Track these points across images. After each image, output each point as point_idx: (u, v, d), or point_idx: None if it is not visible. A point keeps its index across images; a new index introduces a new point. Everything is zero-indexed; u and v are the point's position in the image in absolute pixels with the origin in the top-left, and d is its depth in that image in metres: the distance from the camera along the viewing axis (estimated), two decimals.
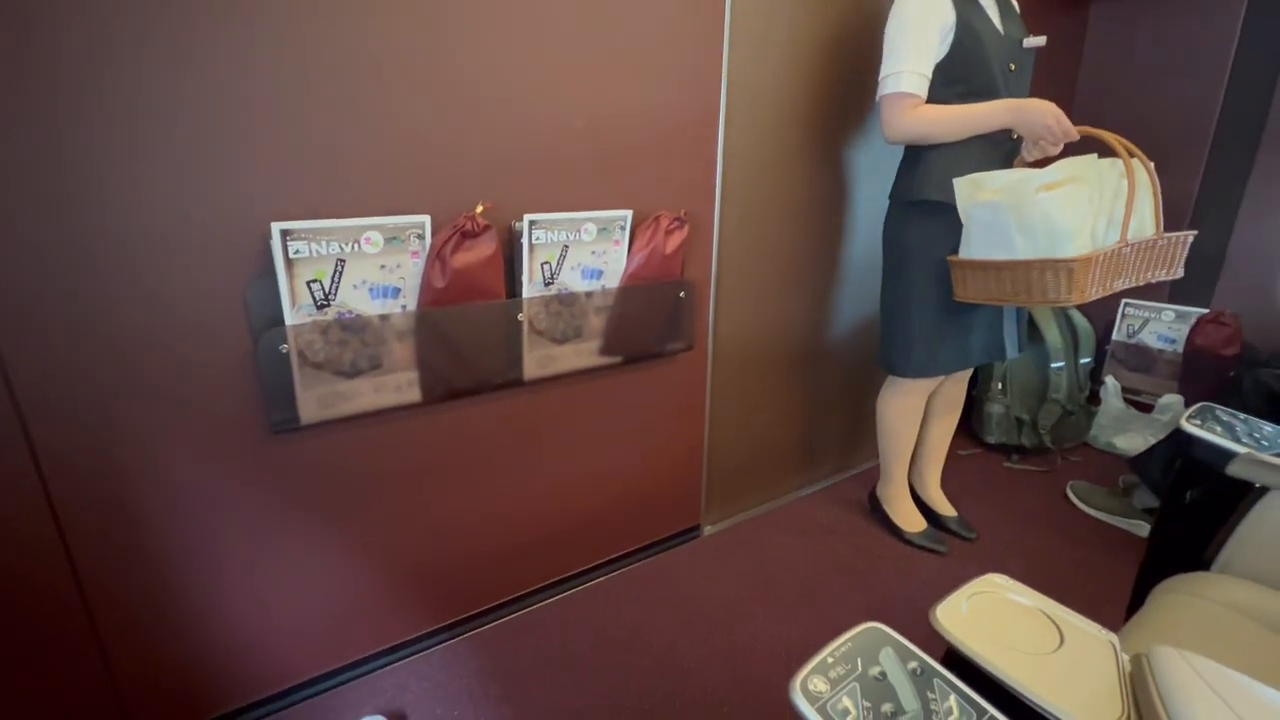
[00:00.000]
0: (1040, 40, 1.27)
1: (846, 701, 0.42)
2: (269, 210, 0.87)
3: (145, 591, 0.91)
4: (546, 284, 1.11)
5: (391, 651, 1.18)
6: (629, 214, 1.16)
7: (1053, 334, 2.03)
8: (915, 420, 1.54)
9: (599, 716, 1.08)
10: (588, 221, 1.11)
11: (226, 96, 0.82)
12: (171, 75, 0.78)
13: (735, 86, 1.31)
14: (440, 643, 1.22)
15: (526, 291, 1.09)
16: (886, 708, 0.42)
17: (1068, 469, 1.97)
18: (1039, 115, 1.15)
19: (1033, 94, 1.27)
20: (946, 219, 1.25)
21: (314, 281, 0.90)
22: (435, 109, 0.97)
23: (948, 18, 1.20)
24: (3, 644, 0.83)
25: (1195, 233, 1.15)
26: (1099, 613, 0.58)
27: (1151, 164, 1.09)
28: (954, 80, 1.24)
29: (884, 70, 1.25)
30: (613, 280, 1.19)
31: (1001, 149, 1.27)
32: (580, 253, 1.13)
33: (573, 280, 1.14)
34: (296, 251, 0.87)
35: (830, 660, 0.45)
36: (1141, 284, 1.11)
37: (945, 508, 1.65)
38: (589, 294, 1.16)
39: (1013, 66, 1.27)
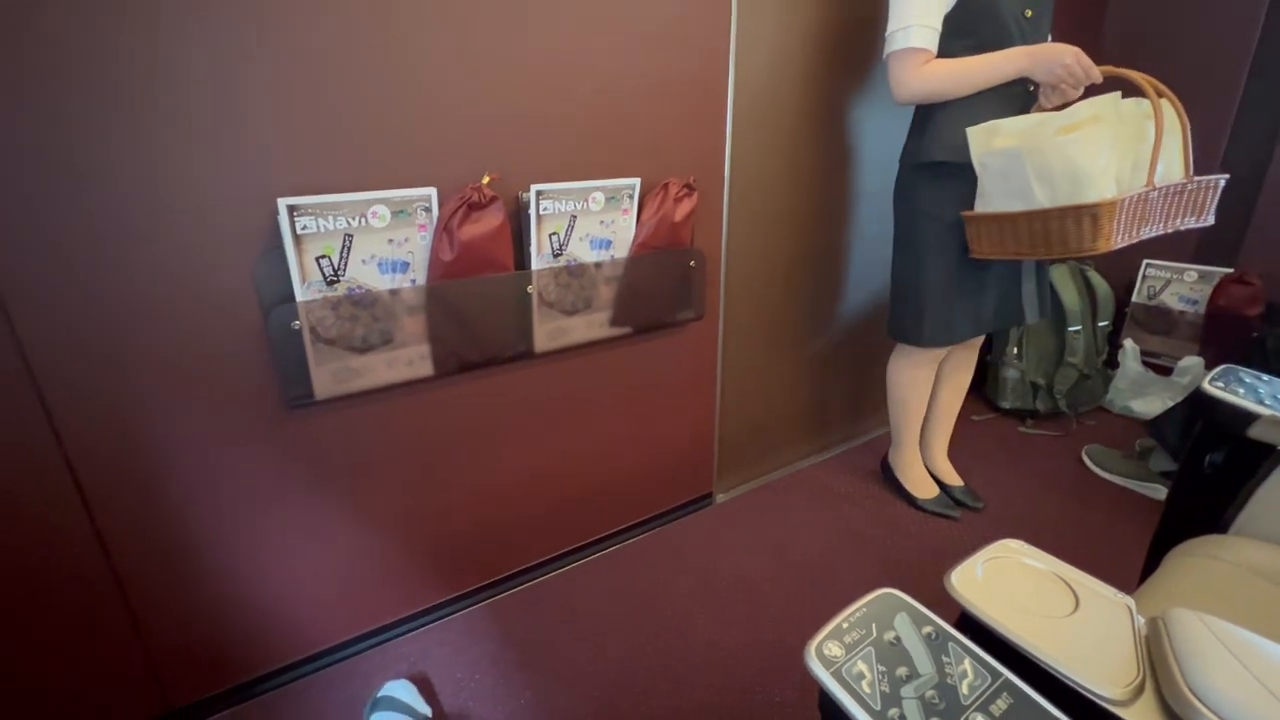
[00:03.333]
0: None
1: (862, 666, 0.43)
2: (275, 186, 0.86)
3: (174, 562, 0.94)
4: (555, 255, 1.10)
5: (414, 619, 1.21)
6: (637, 182, 1.14)
7: (1070, 297, 1.99)
8: (925, 388, 1.53)
9: (615, 678, 1.11)
10: (595, 190, 1.10)
11: (228, 71, 0.80)
12: (174, 51, 0.77)
13: (744, 49, 1.27)
14: (460, 610, 1.26)
15: (535, 263, 1.08)
16: (901, 671, 0.42)
17: (1083, 433, 1.96)
18: (1056, 56, 1.09)
19: (1054, 39, 1.21)
20: (957, 181, 1.21)
21: (323, 257, 0.90)
22: (438, 80, 0.95)
23: None
24: (39, 620, 0.87)
25: (1226, 176, 1.10)
26: (1113, 576, 0.57)
27: (1181, 105, 1.04)
28: (963, 32, 1.18)
29: (890, 26, 1.19)
30: (622, 250, 1.18)
31: (1016, 101, 1.21)
32: (588, 223, 1.11)
33: (581, 251, 1.13)
34: (304, 227, 0.87)
35: (845, 626, 0.45)
36: (1169, 231, 1.06)
37: (952, 477, 1.64)
38: (598, 264, 1.15)
39: (1028, 13, 1.20)
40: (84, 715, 0.93)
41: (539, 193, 1.04)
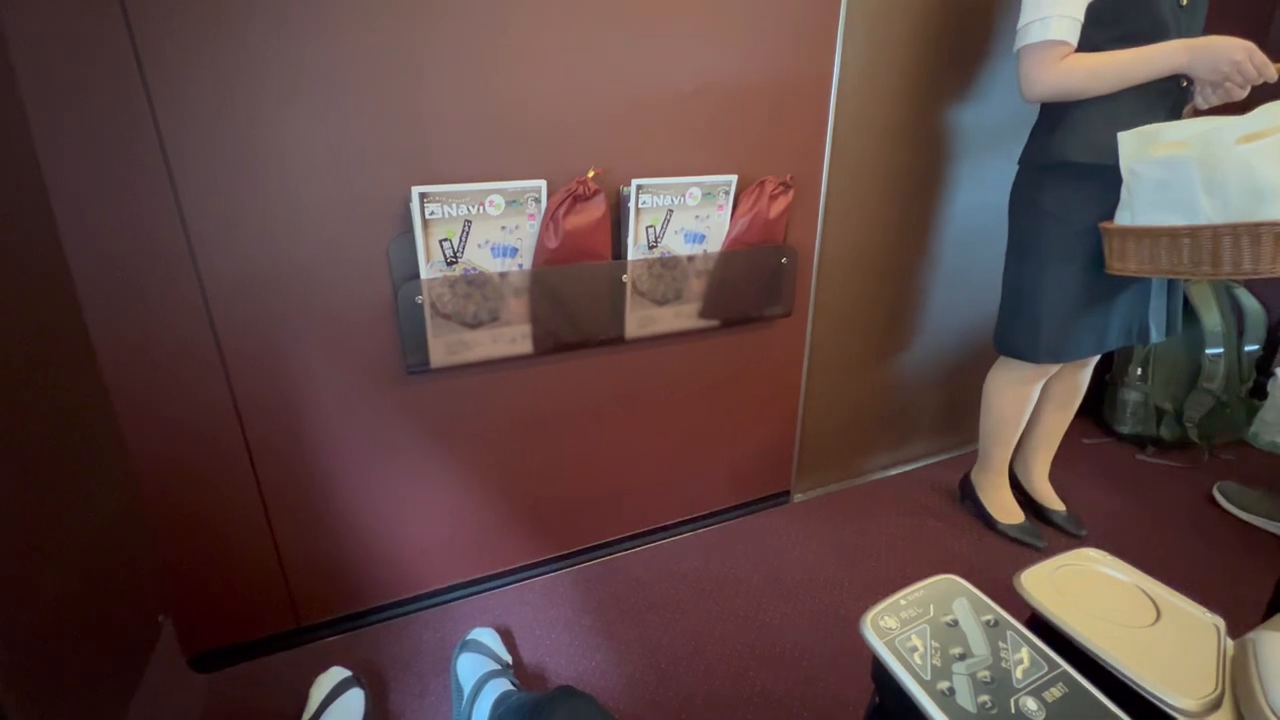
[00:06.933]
0: None
1: (915, 640, 0.45)
2: (410, 175, 0.97)
3: (309, 501, 1.09)
4: (650, 247, 1.16)
5: (501, 576, 1.32)
6: (734, 179, 1.17)
7: (1211, 316, 1.80)
8: (1027, 408, 1.42)
9: (680, 654, 1.15)
10: (693, 186, 1.14)
11: (379, 77, 0.92)
12: (335, 62, 0.89)
13: (851, 46, 1.26)
14: (542, 574, 1.35)
15: (631, 254, 1.15)
16: (955, 650, 0.44)
17: (1216, 467, 1.77)
18: (1223, 52, 0.98)
19: (1207, 33, 1.09)
20: (1092, 183, 1.13)
21: (445, 240, 1.01)
22: (552, 81, 1.03)
23: None
24: (209, 541, 1.04)
25: None
26: (1235, 618, 0.53)
27: None
28: (1109, 22, 1.08)
29: (1025, 17, 1.11)
30: (715, 245, 1.21)
31: (1167, 99, 1.10)
32: (684, 217, 1.16)
33: (676, 244, 1.18)
34: (432, 213, 0.98)
35: (903, 603, 0.48)
36: None
37: (1053, 502, 1.54)
38: (690, 258, 1.20)
39: (1184, 1, 1.09)
40: (238, 619, 1.11)
41: (639, 187, 1.10)
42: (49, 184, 0.81)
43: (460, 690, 1.02)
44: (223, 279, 0.93)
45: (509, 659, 1.10)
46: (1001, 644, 0.45)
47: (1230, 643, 0.48)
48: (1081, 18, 1.08)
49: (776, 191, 1.21)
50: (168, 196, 0.87)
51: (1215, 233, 0.94)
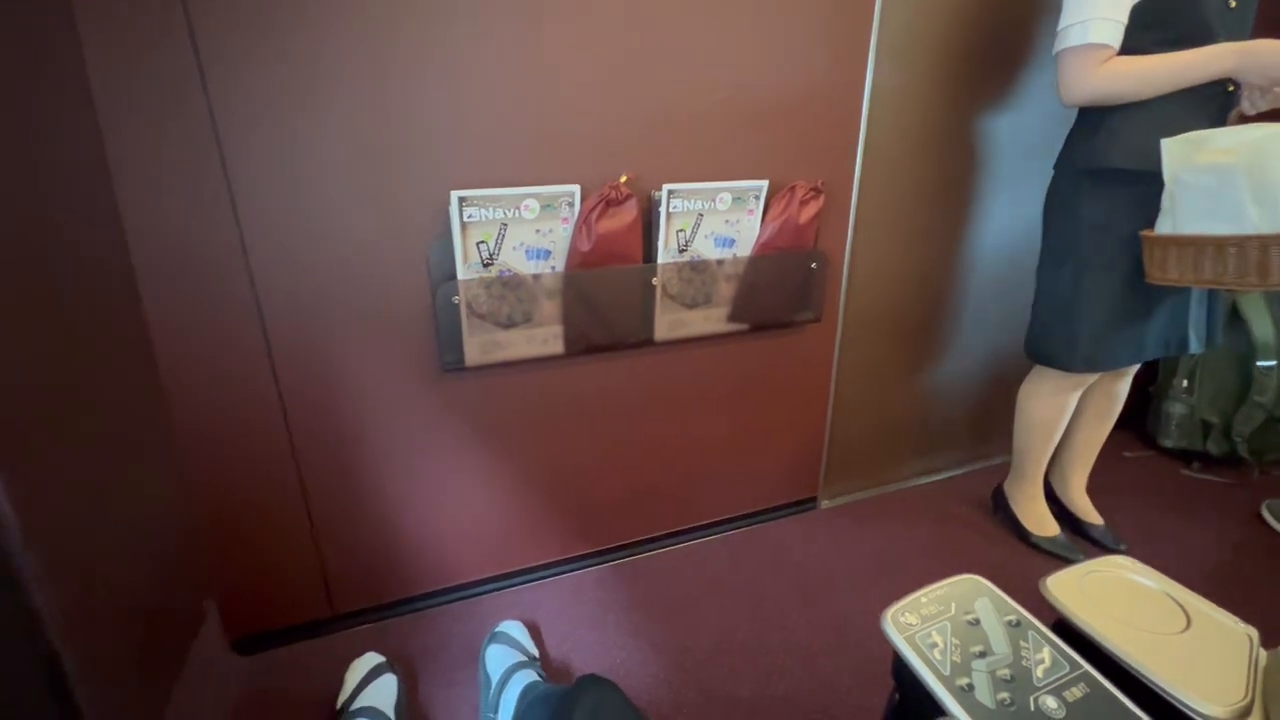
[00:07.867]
0: None
1: (936, 636, 0.45)
2: (449, 180, 1.01)
3: (346, 494, 1.13)
4: (680, 251, 1.18)
5: (529, 572, 1.34)
6: (764, 184, 1.19)
7: (1263, 327, 1.73)
8: (1064, 418, 1.39)
9: (704, 658, 1.16)
10: (723, 191, 1.16)
11: (420, 86, 0.96)
12: (379, 72, 0.94)
13: (885, 51, 1.26)
14: (569, 571, 1.37)
15: (661, 257, 1.17)
16: (975, 648, 0.44)
17: (1267, 485, 1.70)
18: (1273, 56, 0.96)
19: (1255, 36, 1.07)
20: (1133, 189, 1.11)
21: (481, 243, 1.04)
22: (587, 89, 1.06)
23: None
24: (252, 529, 1.09)
25: None
26: (1275, 637, 0.51)
27: None
28: (1154, 25, 1.05)
29: (1066, 19, 1.09)
30: (744, 249, 1.23)
31: (1212, 103, 1.08)
32: (714, 221, 1.18)
33: (705, 248, 1.19)
34: (470, 216, 1.01)
35: (924, 600, 0.48)
36: None
37: (1091, 515, 1.50)
38: (720, 262, 1.21)
39: (1233, 3, 1.06)
40: (277, 606, 1.16)
41: (670, 192, 1.12)
42: (117, 191, 0.87)
43: (488, 680, 1.04)
44: (273, 279, 0.98)
45: (536, 652, 1.13)
46: (1023, 643, 0.45)
47: (1263, 653, 0.48)
48: (1125, 20, 1.06)
49: (807, 197, 1.22)
50: (225, 200, 0.92)
51: (1264, 243, 0.92)
